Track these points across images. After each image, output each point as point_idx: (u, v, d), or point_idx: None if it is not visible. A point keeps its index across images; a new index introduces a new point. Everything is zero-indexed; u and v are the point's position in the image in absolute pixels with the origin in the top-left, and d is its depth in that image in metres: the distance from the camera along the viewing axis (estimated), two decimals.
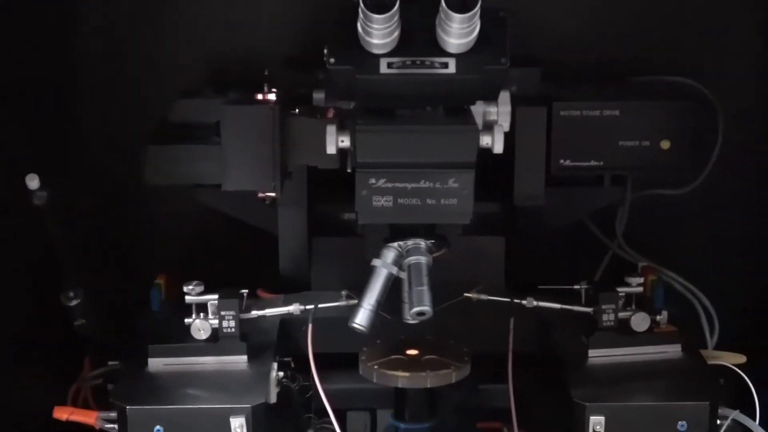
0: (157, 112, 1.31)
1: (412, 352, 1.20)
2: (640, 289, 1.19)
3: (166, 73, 1.51)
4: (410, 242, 1.11)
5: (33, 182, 1.17)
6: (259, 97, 1.17)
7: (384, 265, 1.11)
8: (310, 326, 1.14)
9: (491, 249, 1.31)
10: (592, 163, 1.28)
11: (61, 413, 1.12)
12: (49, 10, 1.39)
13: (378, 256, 1.12)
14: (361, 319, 1.10)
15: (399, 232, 1.12)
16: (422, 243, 1.12)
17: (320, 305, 1.19)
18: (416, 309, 1.08)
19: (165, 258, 1.51)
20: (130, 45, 1.50)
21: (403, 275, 1.11)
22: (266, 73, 1.20)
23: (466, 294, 1.21)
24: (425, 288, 1.09)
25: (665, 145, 1.26)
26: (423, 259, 1.11)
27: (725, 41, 1.51)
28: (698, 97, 1.34)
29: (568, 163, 1.28)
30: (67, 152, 1.48)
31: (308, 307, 1.19)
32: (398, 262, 1.11)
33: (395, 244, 1.12)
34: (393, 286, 1.12)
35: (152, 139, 1.23)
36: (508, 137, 1.15)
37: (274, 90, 1.18)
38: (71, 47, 1.49)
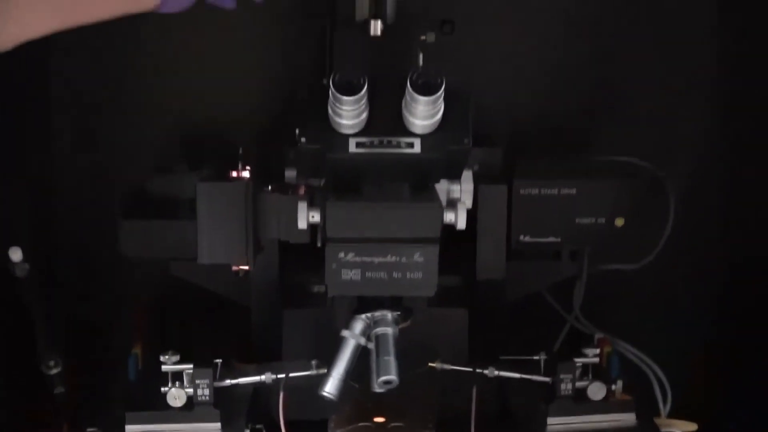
0: (133, 187, 1.31)
1: (379, 419, 1.20)
2: (597, 359, 1.20)
3: (142, 149, 1.52)
4: (378, 314, 1.12)
5: (15, 255, 1.18)
6: (234, 174, 1.18)
7: (352, 336, 1.12)
8: (281, 394, 1.15)
9: (455, 320, 1.32)
10: (551, 239, 1.29)
11: None
12: (23, 84, 1.40)
13: (347, 326, 1.12)
14: (330, 388, 1.11)
15: (367, 304, 1.13)
16: (389, 314, 1.12)
17: (291, 374, 1.19)
18: (383, 378, 1.08)
19: (141, 328, 1.51)
20: (107, 120, 1.51)
21: (371, 345, 1.12)
22: (240, 151, 1.21)
23: (430, 364, 1.22)
24: (391, 358, 1.09)
25: (620, 222, 1.28)
26: (389, 330, 1.11)
27: (672, 122, 1.56)
28: (650, 176, 1.37)
29: (527, 238, 1.29)
30: (48, 226, 1.49)
31: (280, 375, 1.19)
32: (366, 333, 1.12)
33: (363, 315, 1.12)
34: (361, 356, 1.12)
35: (127, 214, 1.24)
36: (471, 213, 1.17)
37: (247, 167, 1.19)
38: (47, 122, 1.50)
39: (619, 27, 1.54)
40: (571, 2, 1.54)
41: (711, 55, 1.54)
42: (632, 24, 1.54)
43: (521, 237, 1.29)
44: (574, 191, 1.28)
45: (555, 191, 1.28)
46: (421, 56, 1.27)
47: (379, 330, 1.11)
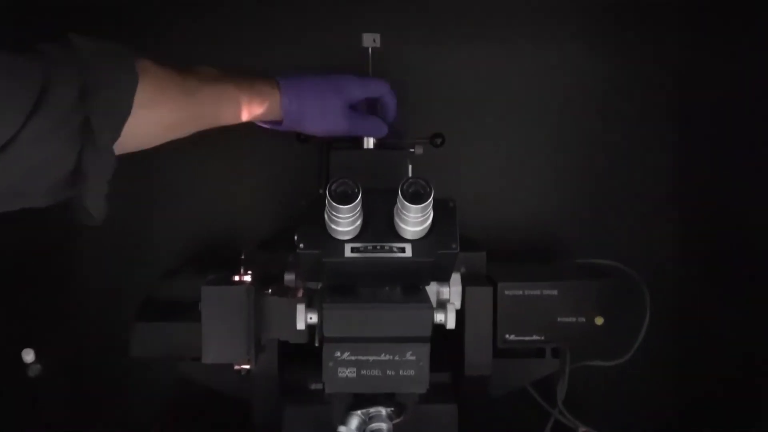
0: (143, 291, 1.31)
1: None
2: None
3: (151, 255, 1.52)
4: (372, 410, 1.11)
5: (28, 356, 1.16)
6: (236, 278, 1.18)
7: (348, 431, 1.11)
8: None
9: (445, 416, 1.30)
10: (534, 337, 1.28)
11: None
12: None
13: (343, 422, 1.11)
14: None
15: (362, 400, 1.12)
16: (383, 410, 1.11)
17: None
18: None
19: (146, 425, 1.49)
20: (118, 230, 1.51)
21: None
22: (243, 256, 1.21)
23: None
24: None
25: (599, 321, 1.27)
26: (384, 426, 1.10)
27: (646, 225, 1.56)
28: (625, 277, 1.37)
29: (512, 337, 1.28)
30: (58, 328, 1.47)
31: None
32: (362, 429, 1.11)
33: (359, 411, 1.11)
34: None
35: (138, 316, 1.23)
36: (459, 314, 1.16)
37: (249, 272, 1.19)
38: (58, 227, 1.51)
39: (594, 144, 1.57)
40: (551, 123, 1.56)
41: (672, 169, 1.57)
42: (607, 141, 1.57)
43: (507, 336, 1.28)
44: (555, 292, 1.27)
45: (538, 292, 1.28)
46: (410, 167, 1.29)
47: (374, 426, 1.10)
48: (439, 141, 1.36)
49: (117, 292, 1.50)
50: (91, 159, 0.98)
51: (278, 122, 1.22)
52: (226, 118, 1.16)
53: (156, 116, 1.06)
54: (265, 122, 1.23)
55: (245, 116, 1.17)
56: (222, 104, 1.14)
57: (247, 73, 1.18)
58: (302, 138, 1.35)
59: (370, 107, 1.31)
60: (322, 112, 1.21)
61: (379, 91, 1.26)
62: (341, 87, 1.22)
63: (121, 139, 1.01)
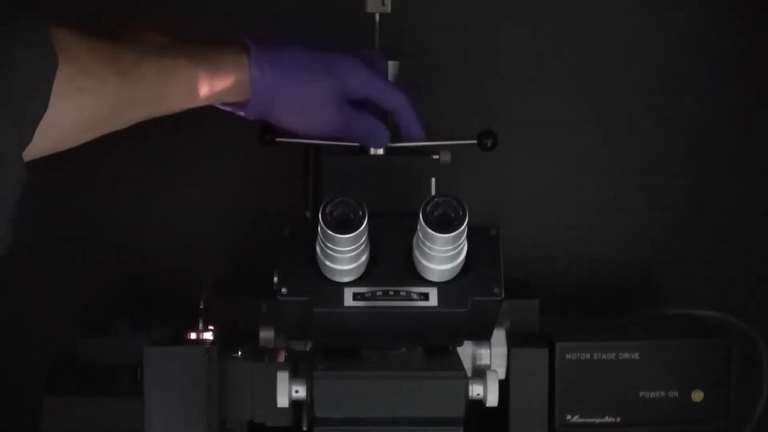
0: (57, 353, 1.32)
1: None
2: None
3: (69, 301, 1.53)
4: None
5: None
6: (192, 335, 1.19)
7: None
8: None
9: None
10: (607, 419, 1.29)
11: None
12: None
13: None
14: None
15: None
16: None
17: None
18: None
19: None
20: (26, 267, 1.53)
21: None
22: (201, 305, 1.22)
23: None
24: None
25: (698, 396, 1.28)
26: None
27: (763, 264, 1.58)
28: (735, 334, 1.37)
29: (576, 419, 1.29)
30: None
31: None
32: None
33: None
34: None
35: (49, 388, 1.24)
36: (503, 385, 1.17)
37: (210, 326, 1.20)
38: None
39: (696, 151, 1.59)
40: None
41: None
42: (714, 147, 1.59)
43: (568, 417, 1.29)
44: (636, 355, 1.28)
45: (612, 356, 1.29)
46: (433, 181, 1.28)
47: None
48: (489, 142, 1.34)
49: (22, 352, 1.51)
50: None
51: (243, 103, 1.22)
52: (174, 102, 1.16)
53: (79, 106, 1.07)
54: (226, 104, 1.23)
55: (202, 97, 1.17)
56: (169, 83, 1.14)
57: (207, 42, 1.19)
58: (267, 139, 1.32)
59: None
60: (304, 98, 1.21)
61: (391, 102, 1.26)
62: (336, 69, 1.23)
63: (32, 141, 1.03)
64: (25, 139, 1.02)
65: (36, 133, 1.02)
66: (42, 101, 1.02)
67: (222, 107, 1.23)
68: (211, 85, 1.17)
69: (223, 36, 1.21)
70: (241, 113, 1.22)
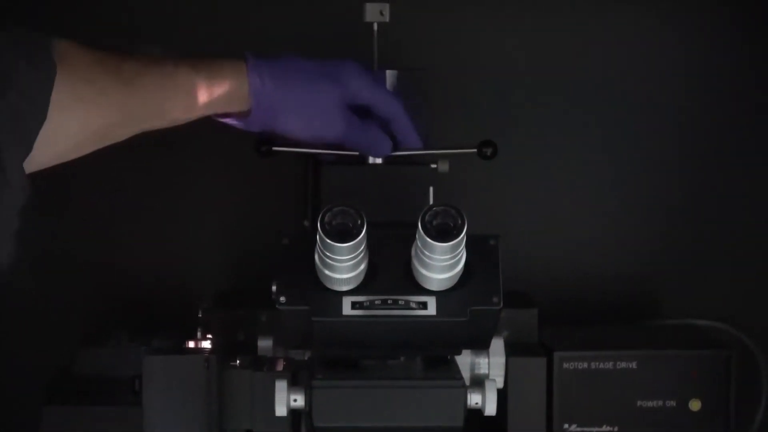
0: (57, 363, 1.33)
1: None
2: None
3: (69, 313, 1.54)
4: None
5: None
6: (191, 344, 1.19)
7: None
8: None
9: None
10: (605, 428, 1.30)
11: None
12: None
13: None
14: None
15: None
16: None
17: None
18: None
19: None
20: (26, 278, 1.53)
21: None
22: (200, 314, 1.22)
23: None
24: None
25: (695, 405, 1.29)
26: None
27: (762, 275, 1.58)
28: (734, 344, 1.38)
29: (574, 428, 1.29)
30: None
31: None
32: None
33: None
34: None
35: (50, 397, 1.25)
36: (501, 394, 1.17)
37: (208, 336, 1.20)
38: None
39: (699, 164, 1.60)
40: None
41: None
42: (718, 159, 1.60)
43: (565, 426, 1.29)
44: (634, 365, 1.29)
45: (609, 365, 1.29)
46: (432, 190, 1.29)
47: None
48: (489, 151, 1.35)
49: (22, 362, 1.51)
50: None
51: (245, 114, 1.22)
52: (176, 113, 1.16)
53: (80, 117, 1.08)
54: (228, 117, 1.23)
55: (203, 106, 1.17)
56: (170, 95, 1.15)
57: (206, 54, 1.20)
58: (264, 149, 1.32)
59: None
60: (309, 105, 1.21)
61: (390, 109, 1.26)
62: (336, 73, 1.23)
63: (33, 152, 1.03)
64: (25, 151, 1.02)
65: (37, 144, 1.03)
66: (42, 110, 1.03)
67: (225, 121, 1.23)
68: (211, 93, 1.17)
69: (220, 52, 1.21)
70: (244, 125, 1.22)
